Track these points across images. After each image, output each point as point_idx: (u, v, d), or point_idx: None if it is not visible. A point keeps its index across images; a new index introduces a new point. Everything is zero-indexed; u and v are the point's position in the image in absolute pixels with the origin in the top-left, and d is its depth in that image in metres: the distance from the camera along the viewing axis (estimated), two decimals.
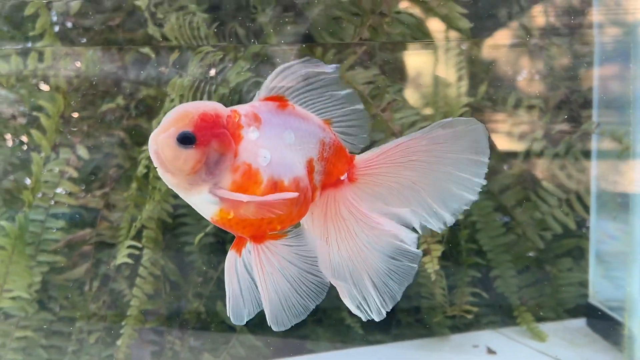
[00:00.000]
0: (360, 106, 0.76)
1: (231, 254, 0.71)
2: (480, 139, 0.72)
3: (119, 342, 1.27)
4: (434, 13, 1.41)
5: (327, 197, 0.73)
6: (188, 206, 0.73)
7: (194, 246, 1.38)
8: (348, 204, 0.73)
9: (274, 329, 0.72)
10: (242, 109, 0.70)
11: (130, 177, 1.50)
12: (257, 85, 1.49)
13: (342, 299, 0.73)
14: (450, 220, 0.74)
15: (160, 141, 0.65)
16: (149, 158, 1.42)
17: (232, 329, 1.34)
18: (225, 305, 1.39)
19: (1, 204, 1.45)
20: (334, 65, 0.73)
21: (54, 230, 1.42)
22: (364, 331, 1.39)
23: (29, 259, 1.30)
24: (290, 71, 0.72)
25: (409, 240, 0.73)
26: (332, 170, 0.73)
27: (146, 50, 1.58)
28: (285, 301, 0.71)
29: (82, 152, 1.48)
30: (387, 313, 1.49)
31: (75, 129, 1.53)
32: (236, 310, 0.72)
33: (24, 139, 1.61)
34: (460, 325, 1.46)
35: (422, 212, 0.73)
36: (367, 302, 0.74)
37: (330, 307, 1.46)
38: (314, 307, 0.73)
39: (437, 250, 1.21)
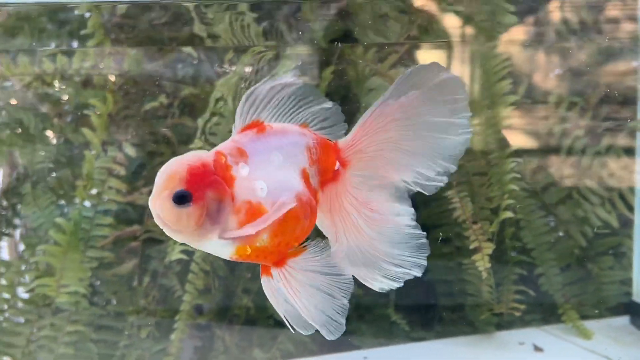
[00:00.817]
0: (325, 101, 0.76)
1: (264, 280, 0.73)
2: (448, 79, 0.71)
3: (172, 337, 1.30)
4: (478, 11, 1.42)
5: (330, 193, 0.74)
6: None
7: None
8: (349, 196, 0.73)
9: (331, 338, 0.73)
10: (225, 148, 0.70)
11: None
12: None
13: (363, 282, 0.74)
14: (452, 168, 0.73)
15: (159, 207, 0.66)
16: None
17: (280, 324, 1.35)
18: None
19: (50, 202, 1.48)
20: (292, 73, 0.75)
21: (102, 227, 1.44)
22: (409, 328, 1.40)
23: (82, 255, 1.32)
24: (254, 96, 0.71)
25: (411, 220, 0.73)
26: (325, 167, 0.74)
27: (188, 49, 1.60)
28: (326, 310, 0.72)
29: (129, 149, 1.51)
30: (432, 311, 1.50)
31: (121, 127, 1.56)
32: (300, 324, 0.73)
33: (68, 137, 1.64)
34: (503, 323, 1.47)
35: (421, 171, 0.72)
36: (387, 280, 0.73)
37: (374, 304, 1.48)
38: (347, 303, 0.74)
39: (488, 248, 1.22)
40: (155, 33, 1.57)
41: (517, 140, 1.53)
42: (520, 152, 1.47)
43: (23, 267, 1.54)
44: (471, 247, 1.24)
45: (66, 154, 1.60)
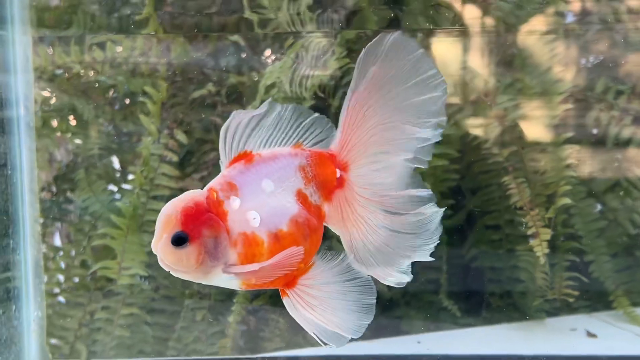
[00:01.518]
0: (312, 114, 0.76)
1: (285, 301, 0.74)
2: (395, 42, 0.70)
3: (230, 319, 1.32)
4: None
5: (339, 201, 0.74)
6: None
7: None
8: (359, 198, 0.73)
9: (356, 337, 0.74)
10: (216, 184, 0.71)
11: None
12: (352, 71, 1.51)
13: (382, 281, 0.73)
14: (443, 120, 0.72)
15: (160, 250, 0.68)
16: None
17: None
18: None
19: (103, 188, 1.50)
20: (265, 104, 0.73)
21: (155, 212, 1.46)
22: (459, 314, 1.41)
23: (142, 238, 1.35)
24: (233, 129, 0.72)
25: (427, 202, 0.72)
26: (325, 179, 0.74)
27: (236, 37, 1.62)
28: (348, 315, 0.73)
29: (180, 136, 1.53)
30: (481, 297, 1.51)
31: (171, 115, 1.58)
32: (330, 337, 0.74)
33: (119, 124, 1.66)
34: (552, 310, 1.48)
35: (418, 136, 0.71)
36: (401, 274, 0.73)
37: (423, 290, 1.49)
38: (374, 300, 0.74)
39: (546, 234, 1.23)
40: (203, 19, 1.59)
41: (565, 129, 1.53)
42: (569, 140, 1.47)
43: (73, 252, 1.57)
44: (529, 233, 1.24)
45: (116, 141, 1.62)
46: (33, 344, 1.17)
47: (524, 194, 1.25)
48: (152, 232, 1.47)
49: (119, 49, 1.58)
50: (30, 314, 1.17)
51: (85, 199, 1.46)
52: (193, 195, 0.70)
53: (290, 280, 0.72)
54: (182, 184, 1.53)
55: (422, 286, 1.49)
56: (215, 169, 1.58)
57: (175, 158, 1.50)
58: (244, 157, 0.72)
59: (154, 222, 1.49)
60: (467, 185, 1.52)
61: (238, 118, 0.71)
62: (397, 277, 0.73)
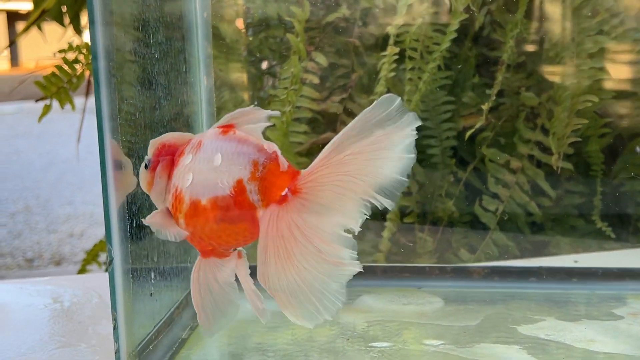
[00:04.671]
0: None
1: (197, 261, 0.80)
2: (399, 111, 0.68)
3: (383, 234, 1.34)
4: None
5: (271, 214, 0.72)
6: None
7: (438, 148, 1.41)
8: (290, 222, 0.71)
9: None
10: (196, 137, 0.78)
11: (365, 82, 1.54)
12: None
13: (281, 309, 0.72)
14: (405, 182, 0.70)
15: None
16: (392, 61, 1.45)
17: (484, 228, 1.37)
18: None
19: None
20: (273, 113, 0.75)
21: (298, 134, 1.48)
22: (615, 236, 1.38)
23: (295, 157, 1.38)
24: (243, 109, 0.75)
25: (349, 261, 0.70)
26: (270, 188, 0.72)
27: None
28: (216, 314, 0.79)
29: (320, 59, 1.53)
30: (631, 221, 1.46)
31: (308, 38, 1.58)
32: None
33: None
34: None
35: (377, 197, 0.69)
36: (302, 312, 0.71)
37: (569, 214, 1.46)
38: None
39: None
40: None
41: None
42: None
43: None
44: None
45: (255, 65, 1.65)
46: None
47: None
48: (295, 154, 1.50)
49: None
50: None
51: None
52: (179, 138, 0.80)
53: (205, 253, 0.78)
54: (323, 106, 1.54)
55: (569, 210, 1.46)
56: (353, 91, 1.58)
57: (315, 80, 1.51)
58: (226, 127, 0.75)
59: (298, 143, 1.52)
60: (609, 110, 1.46)
61: (256, 109, 0.75)
62: (298, 317, 0.72)
